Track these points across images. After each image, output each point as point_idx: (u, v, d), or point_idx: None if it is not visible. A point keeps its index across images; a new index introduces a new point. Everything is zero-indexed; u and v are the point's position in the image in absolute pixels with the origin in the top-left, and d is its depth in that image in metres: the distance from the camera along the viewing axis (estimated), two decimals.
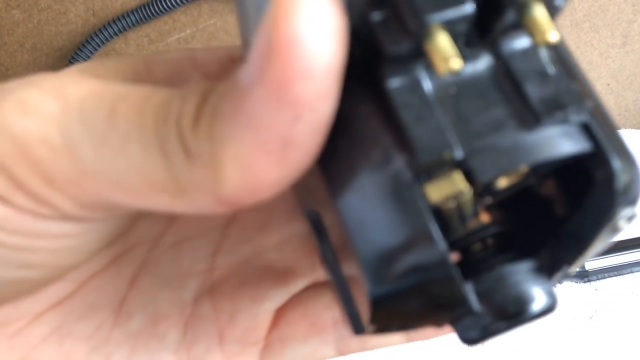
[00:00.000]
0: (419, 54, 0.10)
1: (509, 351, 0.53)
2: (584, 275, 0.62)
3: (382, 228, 0.10)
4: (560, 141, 0.10)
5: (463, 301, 0.12)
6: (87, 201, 0.12)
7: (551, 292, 0.13)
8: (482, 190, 0.11)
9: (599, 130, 0.11)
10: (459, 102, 0.10)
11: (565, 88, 0.11)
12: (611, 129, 0.12)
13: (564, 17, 0.99)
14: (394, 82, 0.10)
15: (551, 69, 0.11)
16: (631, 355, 0.53)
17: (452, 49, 0.09)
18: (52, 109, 0.11)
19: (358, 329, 0.13)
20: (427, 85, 0.10)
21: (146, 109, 0.11)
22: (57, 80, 0.11)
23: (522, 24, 0.10)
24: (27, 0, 1.07)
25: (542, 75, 0.11)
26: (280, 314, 0.18)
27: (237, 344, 0.17)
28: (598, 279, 0.63)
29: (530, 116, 0.10)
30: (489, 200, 0.12)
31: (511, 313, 0.12)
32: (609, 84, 1.05)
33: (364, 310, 0.12)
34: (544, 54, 0.11)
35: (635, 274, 0.65)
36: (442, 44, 0.09)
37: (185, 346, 0.17)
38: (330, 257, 0.13)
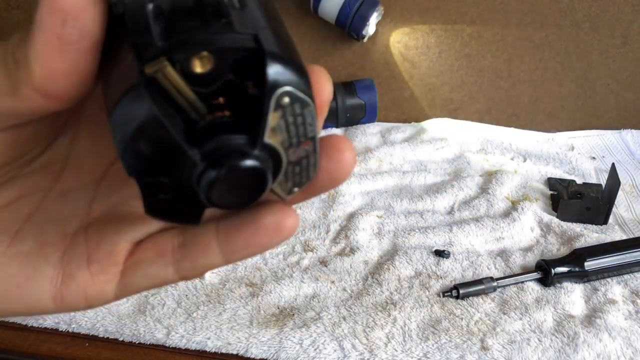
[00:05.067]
0: None
1: (509, 352, 0.53)
2: (584, 275, 0.62)
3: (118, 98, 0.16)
4: (232, 39, 0.16)
5: (182, 150, 0.17)
6: None
7: (259, 159, 0.17)
8: (186, 74, 0.16)
9: (266, 39, 0.17)
10: (170, 16, 0.16)
11: (241, 6, 0.17)
12: (282, 45, 0.17)
13: (564, 17, 1.00)
14: (128, 3, 0.16)
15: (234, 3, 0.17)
16: (631, 356, 0.53)
17: None
18: None
19: (146, 210, 0.19)
20: (150, 6, 0.16)
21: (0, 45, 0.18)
22: None
23: None
24: (27, 0, 1.07)
25: (220, 2, 0.17)
26: (137, 246, 0.23)
27: (100, 264, 0.22)
28: (598, 279, 0.63)
29: (205, 21, 0.16)
30: (203, 89, 0.17)
31: (217, 161, 0.17)
32: (608, 84, 1.05)
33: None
34: None
35: (635, 274, 0.65)
36: None
37: (62, 264, 0.23)
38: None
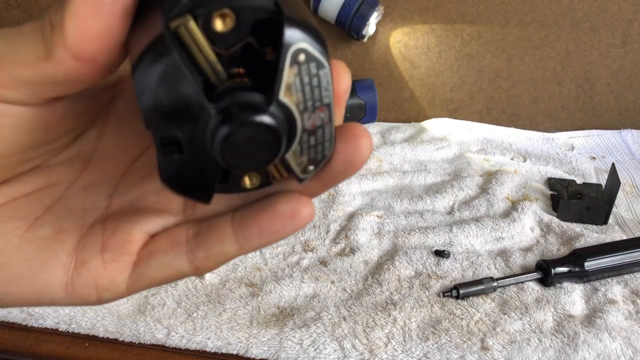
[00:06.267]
0: None
1: (509, 352, 0.53)
2: (584, 275, 0.62)
3: (143, 50, 0.17)
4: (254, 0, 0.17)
5: (199, 100, 0.17)
6: (2, 80, 0.19)
7: (273, 116, 0.18)
8: (208, 31, 0.17)
9: (285, 4, 0.17)
10: None
11: None
12: (299, 8, 0.18)
13: (564, 17, 1.00)
14: None
15: None
16: (631, 356, 0.53)
17: None
18: None
19: (162, 176, 0.19)
20: None
21: (37, 21, 0.19)
22: None
23: None
24: (27, 0, 1.07)
25: None
26: (151, 238, 0.24)
27: (114, 252, 0.23)
28: (598, 279, 0.63)
29: None
30: (223, 50, 0.18)
31: (232, 115, 0.17)
32: (609, 84, 1.05)
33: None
34: None
35: (635, 274, 0.65)
36: None
37: (76, 251, 0.23)
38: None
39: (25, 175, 0.23)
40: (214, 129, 0.18)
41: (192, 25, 0.17)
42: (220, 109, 0.18)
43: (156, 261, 0.23)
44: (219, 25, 0.17)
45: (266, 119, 0.18)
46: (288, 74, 0.18)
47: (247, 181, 0.21)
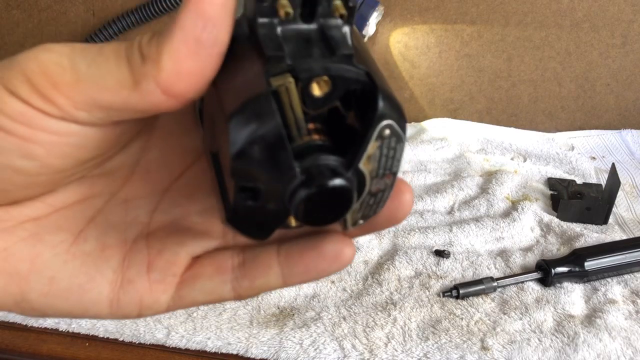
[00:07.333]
0: (275, 10, 0.19)
1: (509, 352, 0.53)
2: (584, 275, 0.62)
3: (240, 103, 0.18)
4: (352, 71, 0.18)
5: (289, 162, 0.18)
6: (78, 101, 0.18)
7: (350, 182, 0.19)
8: (304, 93, 0.18)
9: (376, 77, 0.19)
10: (295, 42, 0.18)
11: (353, 47, 0.19)
12: (386, 84, 0.19)
13: (564, 17, 1.00)
14: (261, 23, 0.18)
15: (348, 38, 0.19)
16: (631, 356, 0.53)
17: (288, 4, 0.18)
18: (65, 49, 0.19)
19: (228, 217, 0.20)
20: (279, 29, 0.19)
21: (122, 43, 0.19)
22: (69, 42, 0.19)
23: (331, 11, 0.19)
24: (27, 0, 1.07)
25: (344, 39, 0.19)
26: (195, 260, 0.24)
27: (160, 273, 0.23)
28: (598, 279, 0.63)
29: (331, 52, 0.19)
30: (312, 111, 0.19)
31: (315, 178, 0.18)
32: (609, 84, 1.05)
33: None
34: (345, 29, 0.19)
35: (635, 274, 0.65)
36: (284, 1, 0.18)
37: (122, 268, 0.23)
38: (219, 174, 0.21)
39: (68, 186, 0.23)
40: (295, 188, 0.18)
41: (292, 87, 0.18)
42: (304, 168, 0.18)
43: (200, 286, 0.23)
44: (315, 90, 0.18)
45: (344, 183, 0.19)
46: (371, 146, 0.19)
47: (292, 220, 0.21)
